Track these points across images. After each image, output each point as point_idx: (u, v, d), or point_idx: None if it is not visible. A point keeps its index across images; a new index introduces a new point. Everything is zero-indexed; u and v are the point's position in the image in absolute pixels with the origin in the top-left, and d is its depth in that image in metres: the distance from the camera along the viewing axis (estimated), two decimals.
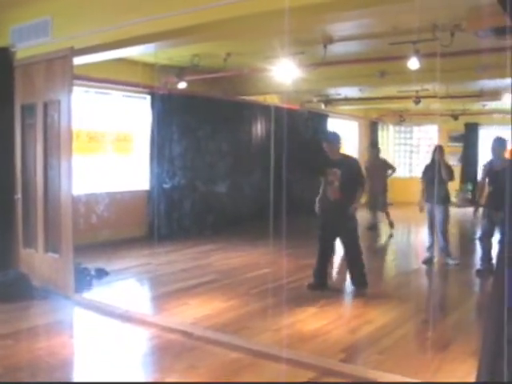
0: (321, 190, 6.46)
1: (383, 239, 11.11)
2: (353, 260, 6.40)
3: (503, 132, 12.77)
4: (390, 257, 9.80)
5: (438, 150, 7.71)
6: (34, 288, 6.16)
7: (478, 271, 7.24)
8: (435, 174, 7.45)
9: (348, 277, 6.53)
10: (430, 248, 7.81)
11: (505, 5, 2.55)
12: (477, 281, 7.20)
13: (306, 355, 4.31)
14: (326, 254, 6.51)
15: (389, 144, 17.16)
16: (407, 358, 4.41)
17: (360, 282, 6.33)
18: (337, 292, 6.69)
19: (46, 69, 6.17)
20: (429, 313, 5.15)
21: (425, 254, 7.90)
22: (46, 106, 6.24)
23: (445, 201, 7.65)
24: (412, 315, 5.56)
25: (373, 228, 10.98)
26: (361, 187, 6.34)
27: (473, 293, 6.94)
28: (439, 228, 7.66)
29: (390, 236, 10.74)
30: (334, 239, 6.46)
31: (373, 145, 12.04)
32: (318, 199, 6.47)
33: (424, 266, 7.78)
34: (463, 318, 5.73)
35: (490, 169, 7.08)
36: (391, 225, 10.88)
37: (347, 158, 6.51)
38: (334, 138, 6.43)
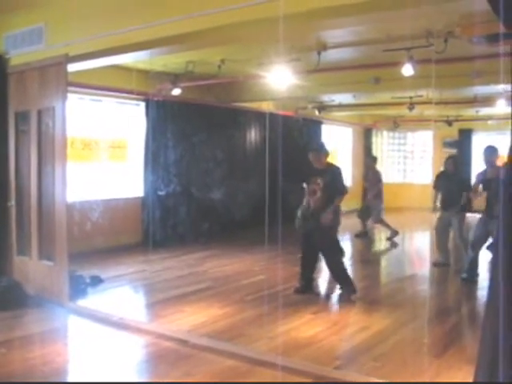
0: (304, 201, 6.50)
1: (379, 247, 11.12)
2: (332, 268, 6.49)
3: (496, 137, 12.89)
4: (384, 263, 9.80)
5: (451, 161, 7.80)
6: (27, 296, 6.14)
7: (464, 279, 7.22)
8: (450, 183, 7.62)
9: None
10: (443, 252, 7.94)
11: (498, 11, 2.56)
12: (467, 287, 7.19)
13: (301, 362, 4.30)
14: (308, 261, 6.56)
15: (383, 150, 17.21)
16: (403, 365, 4.40)
17: (347, 289, 6.37)
18: (331, 298, 6.70)
19: (40, 76, 6.16)
20: (424, 320, 5.15)
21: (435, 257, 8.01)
22: (40, 113, 6.22)
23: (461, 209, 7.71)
24: (407, 322, 5.56)
25: (361, 235, 10.90)
26: (340, 195, 6.33)
27: (466, 299, 6.94)
28: (458, 235, 7.76)
29: (390, 247, 10.69)
30: (315, 247, 6.49)
31: (370, 155, 12.03)
32: (298, 214, 6.50)
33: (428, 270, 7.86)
34: (458, 325, 5.73)
35: (483, 177, 7.09)
36: (394, 234, 10.68)
37: (330, 167, 6.48)
38: (320, 148, 6.48)
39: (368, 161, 11.52)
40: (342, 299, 6.32)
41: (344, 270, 6.45)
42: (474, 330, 5.30)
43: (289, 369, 4.16)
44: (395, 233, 10.58)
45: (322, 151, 6.42)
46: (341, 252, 6.77)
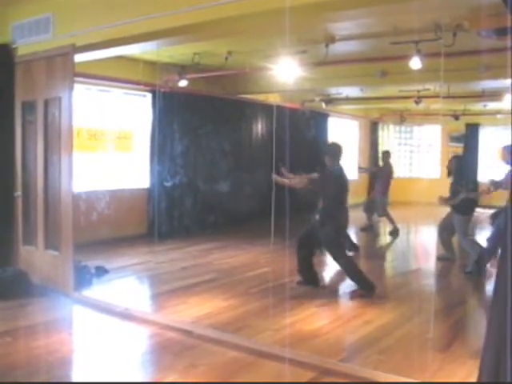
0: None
1: (384, 240, 11.09)
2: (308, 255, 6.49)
3: (504, 132, 12.80)
4: (389, 257, 9.78)
5: (454, 161, 7.81)
6: (33, 285, 6.17)
7: (468, 273, 7.23)
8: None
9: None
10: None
11: (508, 3, 2.54)
12: (472, 282, 7.17)
13: (306, 355, 4.30)
14: (302, 251, 6.51)
15: (389, 144, 17.17)
16: (407, 358, 4.39)
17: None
18: (335, 291, 6.70)
19: (47, 66, 6.16)
20: (429, 314, 5.14)
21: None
22: (46, 103, 6.23)
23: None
24: (412, 316, 5.55)
25: (367, 229, 10.90)
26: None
27: (471, 294, 6.93)
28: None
29: (392, 240, 10.65)
30: (310, 239, 6.47)
31: (383, 149, 12.07)
32: None
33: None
34: (463, 319, 5.73)
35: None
36: (395, 232, 10.64)
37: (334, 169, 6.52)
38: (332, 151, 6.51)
39: (384, 155, 11.41)
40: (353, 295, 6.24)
41: (354, 267, 6.43)
42: (478, 325, 5.29)
43: (293, 361, 4.16)
44: (396, 230, 10.59)
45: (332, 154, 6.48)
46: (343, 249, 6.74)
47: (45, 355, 4.33)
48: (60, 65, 5.99)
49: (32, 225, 6.49)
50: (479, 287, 7.05)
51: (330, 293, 6.68)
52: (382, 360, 4.33)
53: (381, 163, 11.57)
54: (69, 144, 5.96)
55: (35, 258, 6.43)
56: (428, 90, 10.08)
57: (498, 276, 2.64)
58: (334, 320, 5.41)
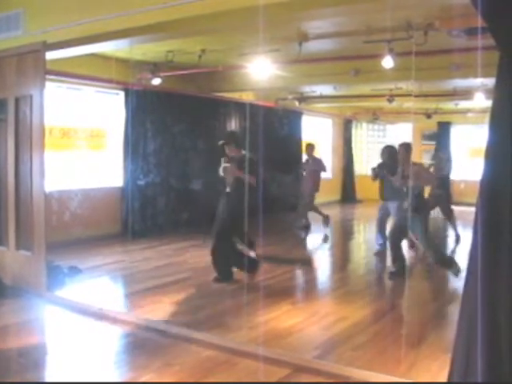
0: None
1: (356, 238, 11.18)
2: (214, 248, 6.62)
3: (475, 130, 12.95)
4: (361, 254, 9.87)
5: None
6: (5, 286, 6.08)
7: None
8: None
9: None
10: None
11: (476, 4, 2.58)
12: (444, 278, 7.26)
13: (280, 352, 4.31)
14: (217, 246, 6.64)
15: (362, 142, 17.32)
16: (381, 354, 4.45)
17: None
18: (310, 289, 6.74)
19: (17, 63, 6.08)
20: (402, 310, 5.21)
21: None
22: (17, 101, 6.14)
23: None
24: (385, 312, 5.61)
25: (304, 228, 10.67)
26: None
27: (444, 290, 7.02)
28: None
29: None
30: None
31: (308, 142, 11.73)
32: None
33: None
34: (435, 315, 5.80)
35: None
36: (326, 220, 10.70)
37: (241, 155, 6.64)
38: (231, 140, 6.64)
39: (309, 149, 11.15)
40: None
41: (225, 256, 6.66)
42: (450, 321, 5.37)
43: (268, 358, 4.18)
44: (327, 217, 10.69)
45: (232, 142, 6.62)
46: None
47: (17, 357, 4.28)
48: (31, 62, 5.91)
49: (3, 224, 6.40)
50: (451, 284, 7.14)
51: (304, 290, 6.73)
52: (357, 356, 4.37)
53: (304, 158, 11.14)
54: (40, 142, 5.89)
55: (6, 258, 6.34)
56: (400, 88, 10.19)
57: (467, 273, 2.69)
58: (308, 317, 5.44)
